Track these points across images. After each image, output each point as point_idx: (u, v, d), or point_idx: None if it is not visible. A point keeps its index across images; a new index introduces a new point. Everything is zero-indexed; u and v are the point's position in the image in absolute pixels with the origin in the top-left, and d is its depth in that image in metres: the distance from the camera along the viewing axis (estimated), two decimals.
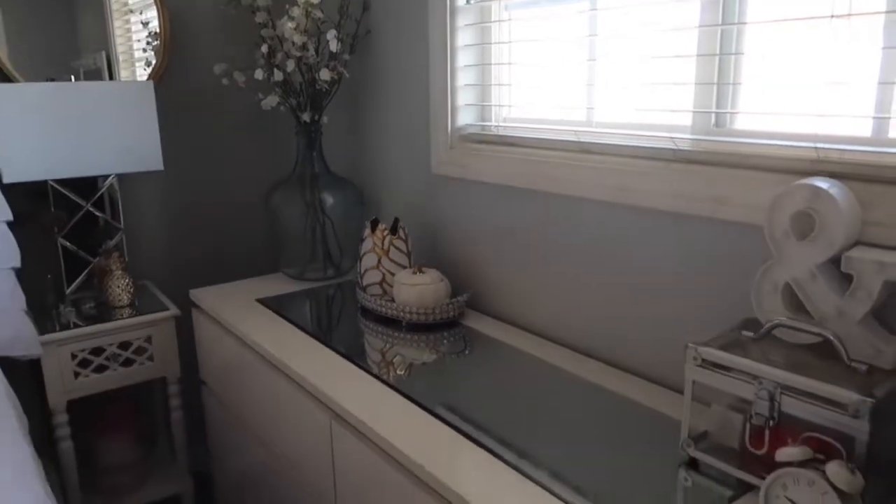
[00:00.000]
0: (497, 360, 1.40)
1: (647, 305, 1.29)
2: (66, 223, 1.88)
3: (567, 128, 1.44)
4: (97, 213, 1.94)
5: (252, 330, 1.56)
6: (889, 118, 0.98)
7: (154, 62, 2.09)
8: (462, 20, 1.60)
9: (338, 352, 1.45)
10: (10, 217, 1.71)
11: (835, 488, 0.77)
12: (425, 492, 1.03)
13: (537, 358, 1.40)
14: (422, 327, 1.57)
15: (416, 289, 1.56)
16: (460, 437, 1.10)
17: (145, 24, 2.09)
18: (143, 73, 2.11)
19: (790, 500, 0.82)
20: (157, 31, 2.08)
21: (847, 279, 0.94)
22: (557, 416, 1.17)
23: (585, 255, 1.40)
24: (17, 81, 1.90)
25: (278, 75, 1.78)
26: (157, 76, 2.08)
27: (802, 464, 0.81)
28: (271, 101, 1.82)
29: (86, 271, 1.94)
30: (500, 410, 1.19)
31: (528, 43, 1.52)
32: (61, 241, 1.88)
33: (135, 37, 2.12)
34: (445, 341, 1.51)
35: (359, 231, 1.98)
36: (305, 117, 1.85)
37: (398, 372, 1.35)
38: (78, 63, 2.03)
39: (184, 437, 2.02)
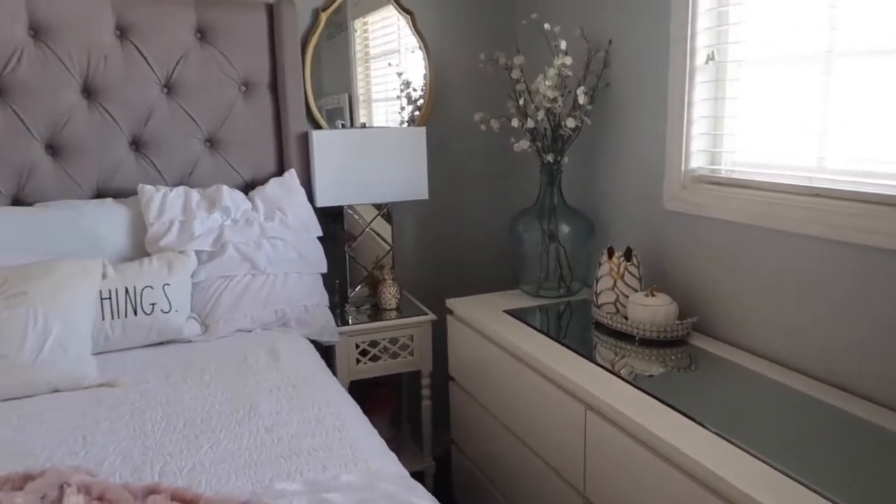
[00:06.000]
0: (724, 374, 1.61)
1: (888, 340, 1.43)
2: (355, 239, 2.36)
3: (798, 173, 1.62)
4: (375, 233, 2.41)
5: (509, 335, 1.90)
6: None
7: (408, 106, 2.54)
8: (699, 78, 1.84)
9: (583, 356, 1.73)
10: (321, 233, 2.21)
11: None
12: (676, 469, 1.29)
13: (765, 377, 1.59)
14: (652, 343, 1.81)
15: (650, 309, 1.81)
16: (703, 429, 1.33)
17: (399, 75, 2.54)
18: (393, 115, 2.55)
19: None
20: (423, 82, 2.53)
21: None
22: (788, 425, 1.36)
23: (814, 288, 1.56)
24: (323, 127, 2.42)
25: (530, 123, 2.13)
26: (423, 120, 2.53)
27: None
28: (523, 144, 2.17)
29: (364, 279, 2.41)
30: (733, 413, 1.40)
31: (759, 96, 1.72)
32: (349, 254, 2.37)
33: (374, 81, 2.54)
34: (674, 356, 1.74)
35: (588, 257, 2.27)
36: (549, 158, 2.18)
37: (640, 375, 1.61)
38: (321, 102, 2.49)
39: (430, 422, 2.42)
